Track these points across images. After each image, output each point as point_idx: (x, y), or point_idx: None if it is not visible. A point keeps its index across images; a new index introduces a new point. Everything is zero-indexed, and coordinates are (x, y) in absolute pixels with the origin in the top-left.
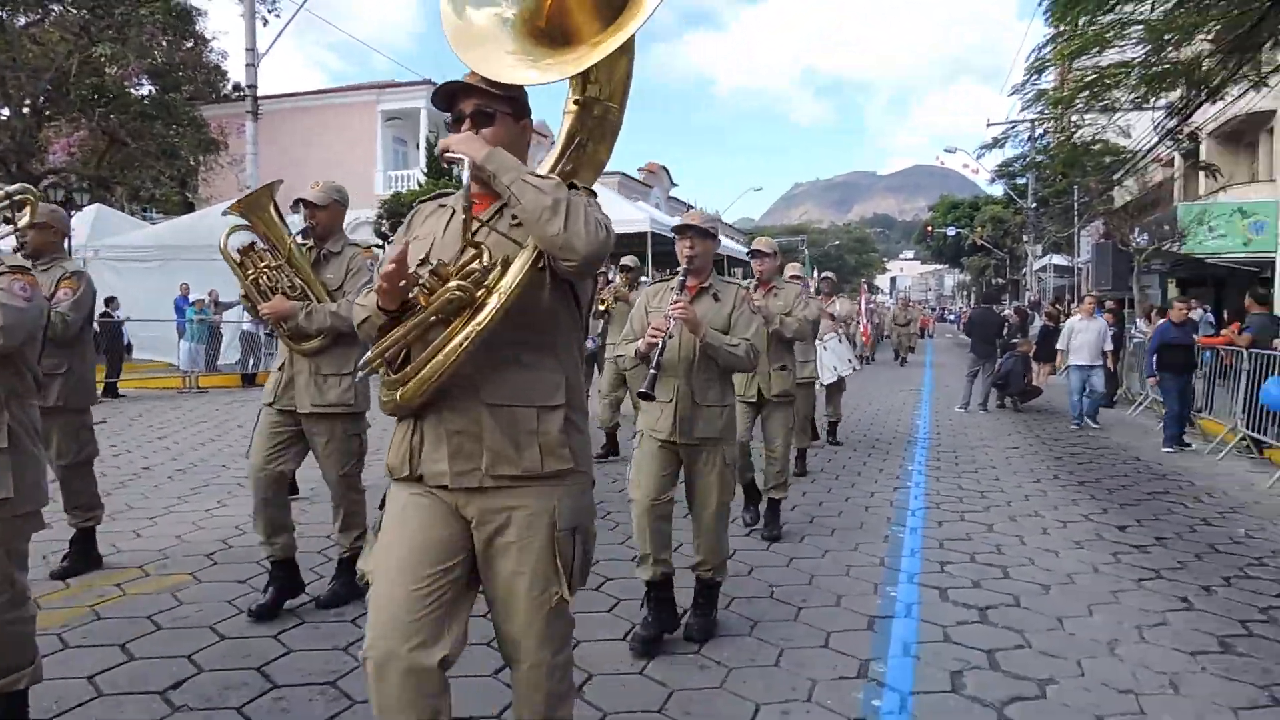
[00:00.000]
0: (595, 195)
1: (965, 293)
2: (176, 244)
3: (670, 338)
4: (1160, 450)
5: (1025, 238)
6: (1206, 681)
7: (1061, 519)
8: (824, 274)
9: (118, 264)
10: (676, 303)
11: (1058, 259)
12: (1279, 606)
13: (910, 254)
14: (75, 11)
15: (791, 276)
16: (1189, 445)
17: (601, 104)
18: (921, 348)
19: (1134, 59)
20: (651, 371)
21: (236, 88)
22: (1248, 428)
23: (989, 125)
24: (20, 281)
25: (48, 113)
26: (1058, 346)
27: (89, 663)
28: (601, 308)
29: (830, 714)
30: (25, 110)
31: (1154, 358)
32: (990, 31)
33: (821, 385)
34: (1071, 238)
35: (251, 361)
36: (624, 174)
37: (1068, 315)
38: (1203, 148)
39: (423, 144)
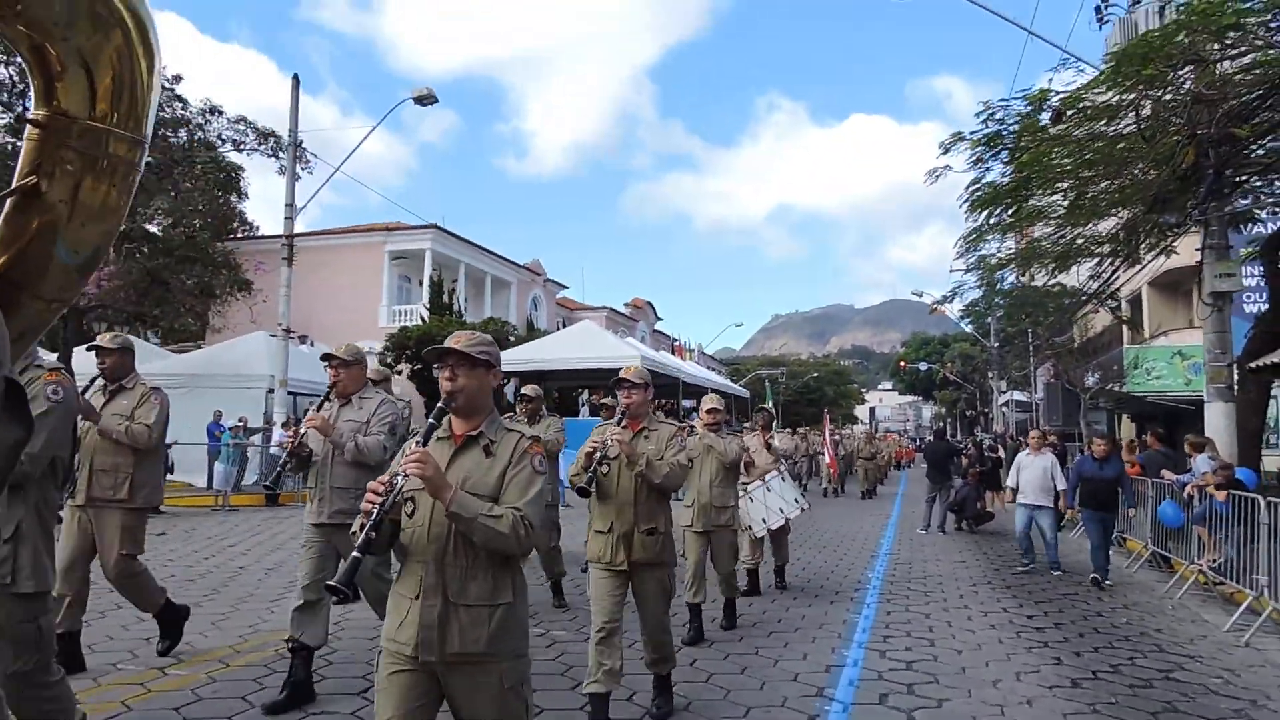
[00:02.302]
0: None
1: (941, 423)
2: (200, 372)
3: (399, 502)
4: (1090, 566)
5: (990, 374)
6: (1054, 703)
7: (985, 610)
8: (759, 407)
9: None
10: (410, 455)
11: (1018, 395)
12: (1126, 664)
13: (888, 385)
14: None
15: (708, 410)
16: (1107, 583)
17: (84, 125)
18: (896, 479)
19: (1048, 237)
20: (354, 555)
21: (243, 223)
22: (1155, 544)
23: (951, 270)
24: (53, 384)
25: None
26: (1006, 484)
27: None
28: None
29: (796, 713)
30: None
31: (1075, 490)
32: (957, 179)
33: (754, 536)
34: (1029, 375)
35: (280, 483)
36: (611, 309)
37: (1006, 447)
38: (1144, 296)
39: (426, 282)
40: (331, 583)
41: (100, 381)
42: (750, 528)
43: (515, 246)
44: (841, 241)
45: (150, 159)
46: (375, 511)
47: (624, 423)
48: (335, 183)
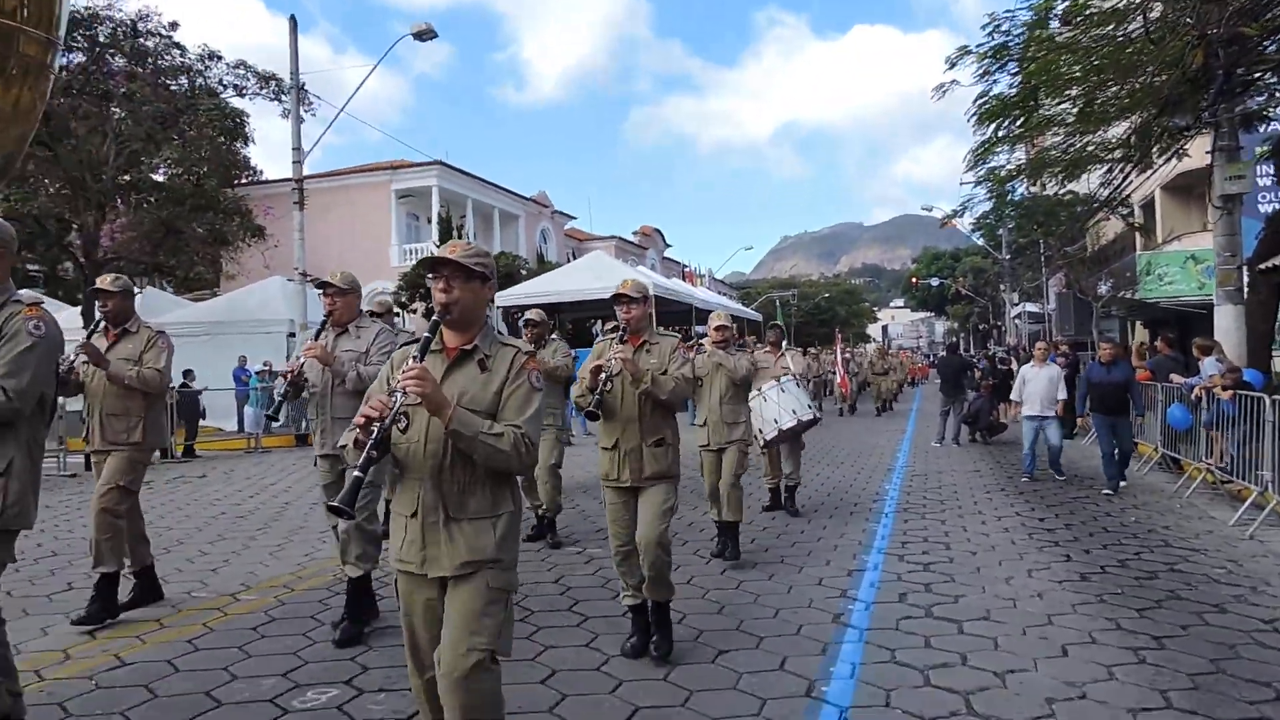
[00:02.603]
0: None
1: (954, 338)
2: (220, 320)
3: (396, 419)
4: (1102, 475)
5: (1003, 286)
6: (1063, 595)
7: (998, 514)
8: (773, 324)
9: (172, 339)
10: (408, 371)
11: (1030, 307)
12: (1132, 559)
13: (900, 302)
14: (137, 120)
15: (716, 328)
16: (1124, 482)
17: None
18: (910, 395)
19: (1058, 145)
20: (355, 475)
21: (247, 168)
22: (1165, 447)
23: (961, 184)
24: (34, 319)
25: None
26: (1011, 396)
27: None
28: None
29: (821, 612)
30: (90, 207)
31: (1085, 399)
32: (964, 93)
33: (763, 444)
34: (1040, 286)
35: (305, 424)
36: (620, 238)
37: (1019, 359)
38: (1156, 200)
39: (434, 219)
40: (333, 503)
41: (104, 325)
42: (761, 431)
43: (520, 179)
44: (848, 158)
45: (156, 107)
46: (376, 430)
47: (625, 339)
48: (335, 123)
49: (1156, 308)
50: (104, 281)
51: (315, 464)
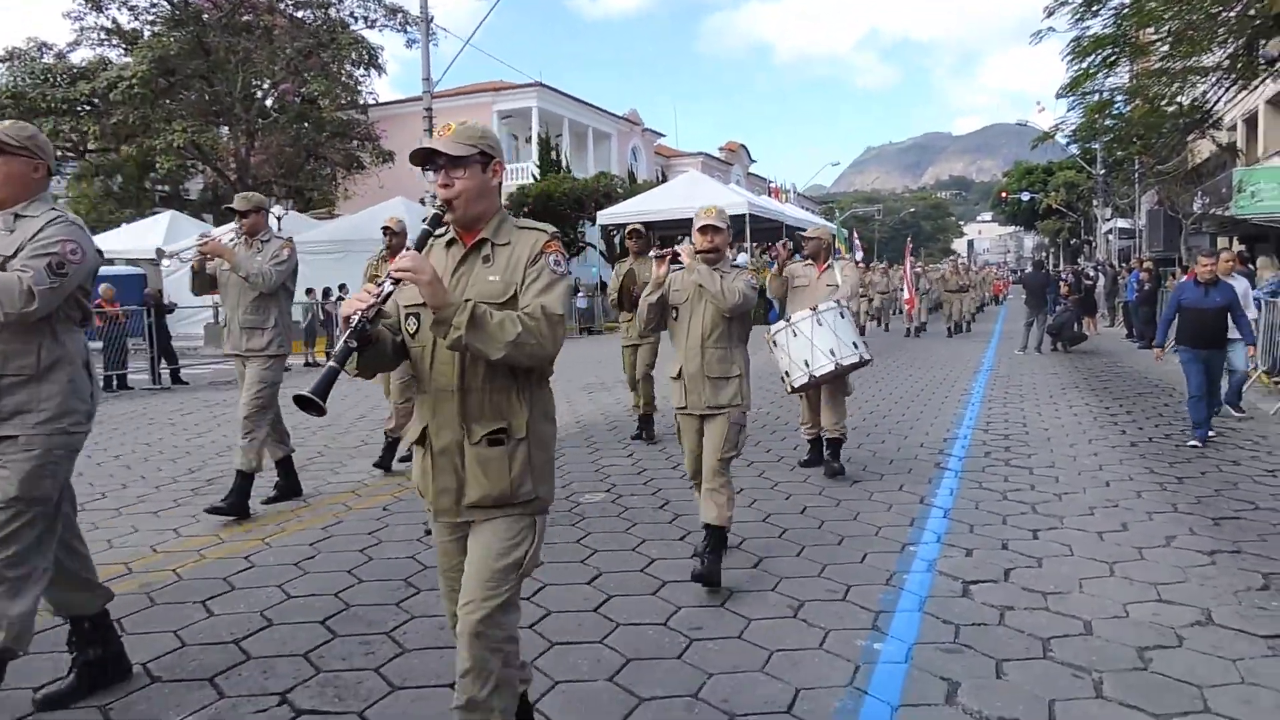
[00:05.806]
0: None
1: (1044, 254)
2: (351, 238)
3: None
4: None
5: (1095, 201)
6: (1112, 454)
7: (1070, 404)
8: (808, 236)
9: (309, 257)
10: None
11: (1122, 223)
12: (1176, 434)
13: (988, 216)
14: (275, 53)
15: (701, 229)
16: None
17: None
18: (993, 315)
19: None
20: None
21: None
22: None
23: (1059, 97)
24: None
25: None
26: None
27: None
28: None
29: (925, 464)
30: (241, 133)
31: (1168, 325)
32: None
33: (790, 389)
34: (1133, 203)
35: None
36: (706, 154)
37: (1105, 275)
38: (1259, 114)
39: (534, 139)
40: None
41: None
42: (788, 375)
43: (598, 91)
44: (937, 65)
45: (304, 42)
46: None
47: (448, 234)
48: (432, 44)
49: (1249, 224)
50: None
51: None
